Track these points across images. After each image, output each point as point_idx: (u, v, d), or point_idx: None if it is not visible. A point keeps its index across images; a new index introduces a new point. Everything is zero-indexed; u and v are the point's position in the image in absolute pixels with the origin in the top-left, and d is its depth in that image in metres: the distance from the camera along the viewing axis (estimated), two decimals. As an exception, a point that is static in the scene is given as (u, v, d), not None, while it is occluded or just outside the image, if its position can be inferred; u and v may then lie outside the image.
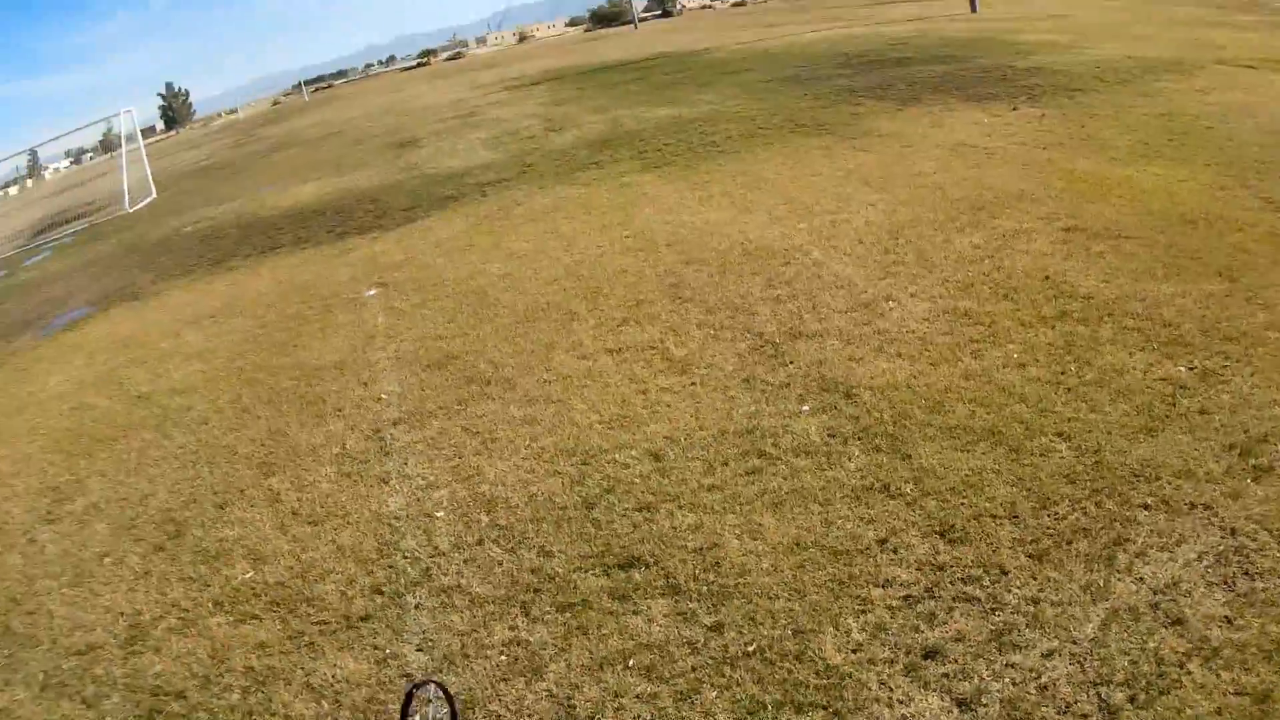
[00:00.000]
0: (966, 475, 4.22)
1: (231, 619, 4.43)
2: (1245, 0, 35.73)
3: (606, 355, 6.48)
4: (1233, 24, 22.67)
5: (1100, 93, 12.80)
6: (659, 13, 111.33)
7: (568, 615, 3.85)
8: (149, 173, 29.07)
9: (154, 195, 27.17)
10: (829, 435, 4.79)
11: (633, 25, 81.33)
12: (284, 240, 13.51)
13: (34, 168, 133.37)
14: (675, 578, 3.93)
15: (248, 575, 4.79)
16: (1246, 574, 3.36)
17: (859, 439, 4.70)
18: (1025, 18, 27.18)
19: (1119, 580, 3.41)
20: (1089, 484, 4.01)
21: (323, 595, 4.42)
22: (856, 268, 7.22)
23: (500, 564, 4.34)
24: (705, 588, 3.83)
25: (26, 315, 14.07)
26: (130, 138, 32.39)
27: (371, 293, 9.52)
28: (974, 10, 30.06)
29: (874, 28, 28.33)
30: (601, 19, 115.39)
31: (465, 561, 4.43)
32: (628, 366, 6.16)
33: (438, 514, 4.93)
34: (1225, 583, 3.34)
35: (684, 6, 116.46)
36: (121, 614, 4.73)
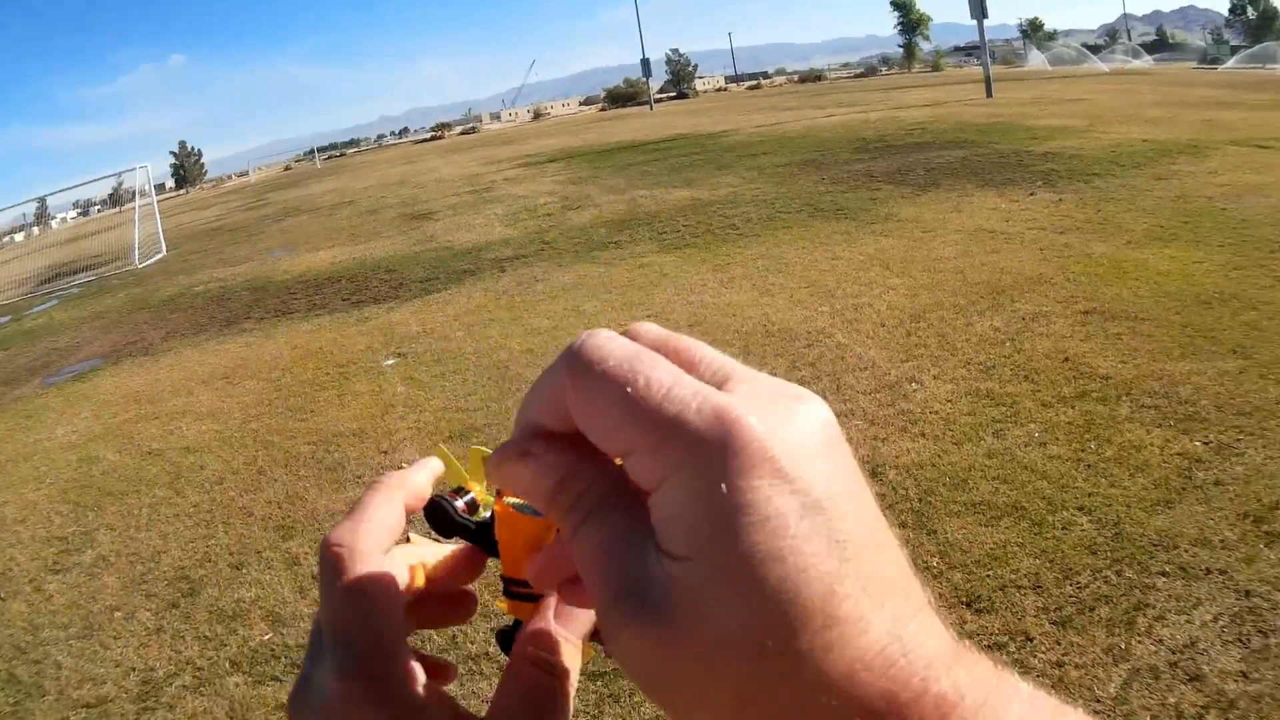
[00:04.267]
0: (991, 549, 4.44)
1: (250, 679, 4.55)
2: (1258, 79, 36.21)
3: (632, 432, 6.59)
4: (1244, 104, 23.20)
5: (1116, 177, 13.16)
6: (674, 94, 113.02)
7: (599, 684, 3.99)
8: (160, 229, 29.58)
9: (164, 252, 27.56)
10: (857, 511, 4.97)
11: (649, 106, 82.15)
12: (298, 306, 13.59)
13: (41, 216, 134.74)
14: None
15: (266, 637, 4.88)
16: (1260, 632, 3.59)
17: (886, 515, 4.90)
18: (1040, 101, 27.81)
19: (1139, 642, 3.63)
20: (1109, 554, 4.24)
21: (347, 659, 4.48)
22: (880, 350, 7.48)
23: (540, 633, 4.41)
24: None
25: (32, 363, 14.29)
26: (143, 193, 32.94)
27: (390, 362, 9.62)
28: (989, 95, 30.72)
29: (890, 113, 29.01)
30: (617, 98, 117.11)
31: (502, 629, 4.51)
32: (655, 446, 6.26)
33: (468, 583, 4.94)
34: (1240, 640, 3.56)
35: (699, 89, 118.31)
36: (133, 669, 4.82)
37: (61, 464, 8.55)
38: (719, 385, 0.44)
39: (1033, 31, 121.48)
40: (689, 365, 0.46)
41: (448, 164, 40.45)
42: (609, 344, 0.46)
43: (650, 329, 0.48)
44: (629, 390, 0.43)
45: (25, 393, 12.19)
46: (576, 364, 0.46)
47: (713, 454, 0.40)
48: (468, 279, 13.04)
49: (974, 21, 35.26)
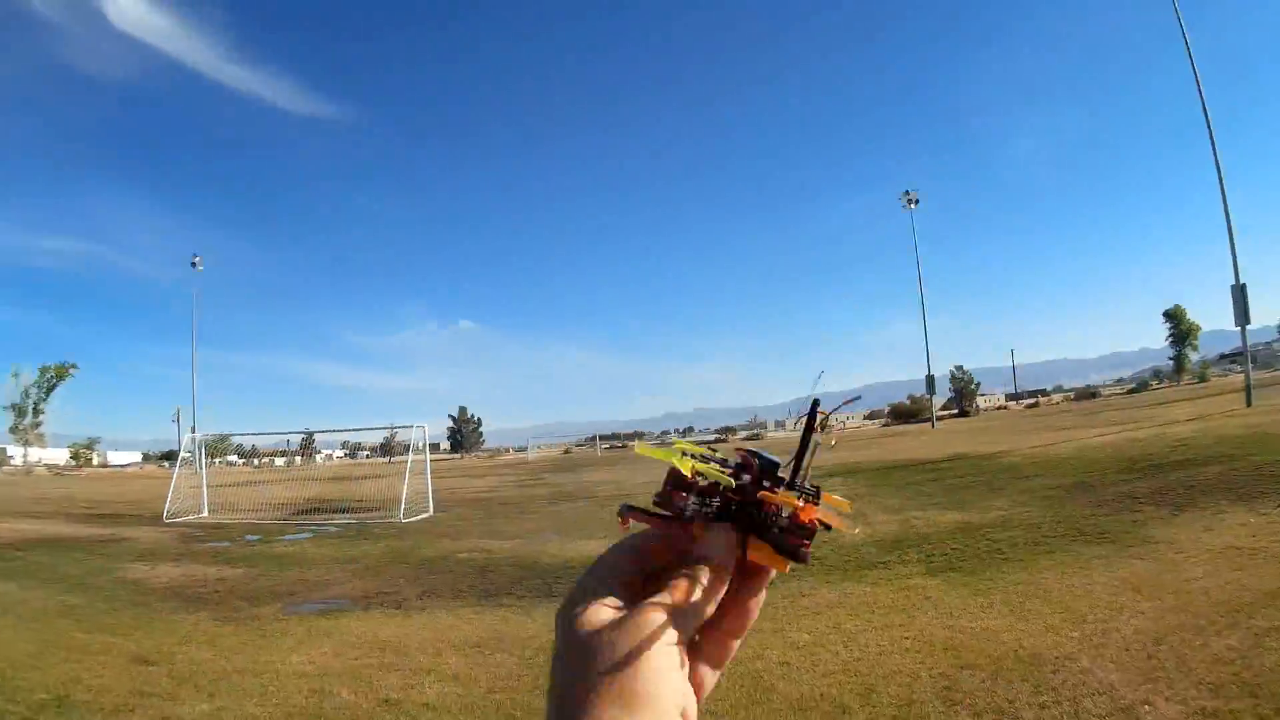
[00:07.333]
0: None
1: None
2: None
3: (877, 753, 6.92)
4: None
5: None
6: (956, 412, 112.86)
7: None
8: (430, 489, 30.48)
9: (431, 512, 28.54)
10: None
11: (931, 423, 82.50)
12: (562, 590, 13.38)
13: (306, 447, 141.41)
14: None
15: None
16: None
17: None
18: (1299, 408, 27.05)
19: None
20: None
21: None
22: (1120, 674, 7.81)
23: None
24: None
25: (275, 588, 15.06)
26: (417, 449, 33.85)
27: None
28: (1249, 404, 30.14)
29: (1157, 430, 28.79)
30: (900, 415, 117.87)
31: None
32: (899, 765, 6.60)
33: None
34: None
35: (980, 407, 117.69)
36: None
37: (291, 689, 8.92)
38: None
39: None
40: None
41: (729, 469, 41.53)
42: None
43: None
44: None
45: (264, 614, 12.83)
46: None
47: None
48: (728, 588, 13.27)
49: (1238, 328, 34.94)
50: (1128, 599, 10.08)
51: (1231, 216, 36.24)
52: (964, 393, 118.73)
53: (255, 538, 24.00)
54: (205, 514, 31.38)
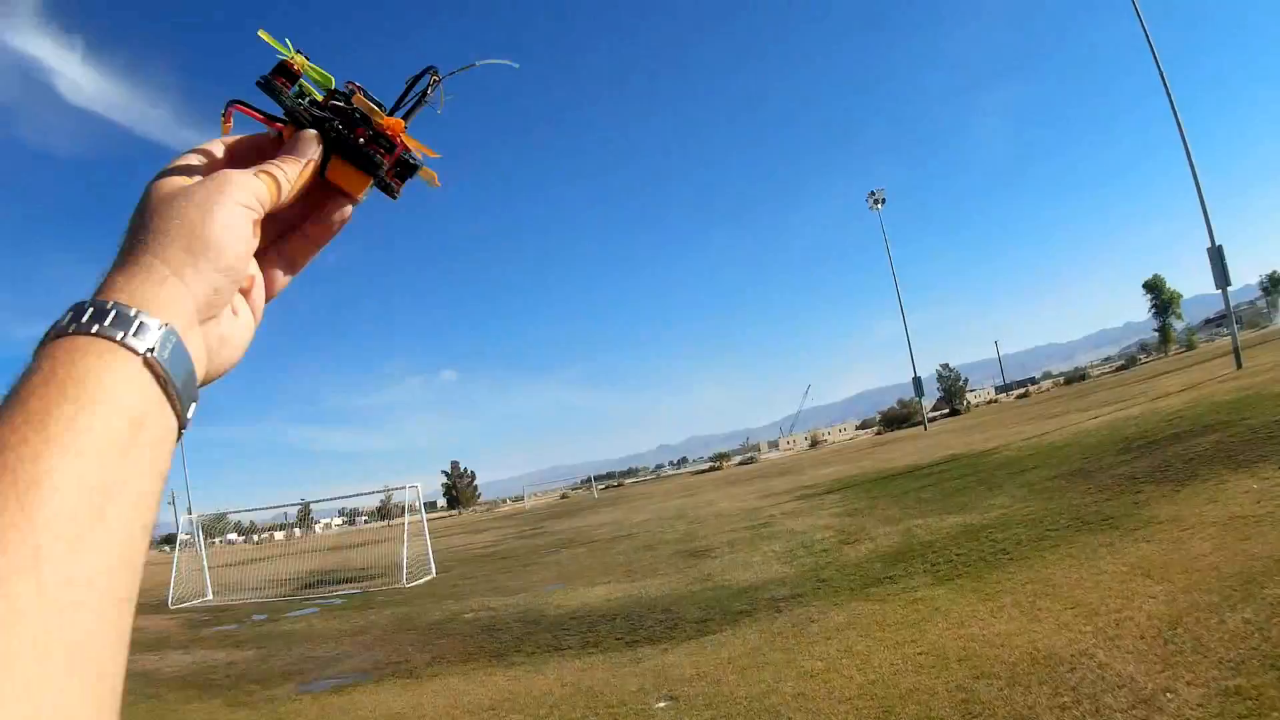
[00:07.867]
0: None
1: None
2: None
3: (900, 778, 6.70)
4: None
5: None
6: (947, 411, 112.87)
7: None
8: (430, 551, 30.26)
9: (434, 574, 28.27)
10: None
11: (923, 426, 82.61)
12: (570, 642, 13.49)
13: (304, 518, 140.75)
14: None
15: None
16: None
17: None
18: (1288, 364, 27.01)
19: None
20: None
21: None
22: (1138, 664, 7.58)
23: None
24: None
25: (288, 667, 14.89)
26: (413, 510, 33.80)
27: (661, 704, 9.53)
28: (1239, 366, 30.17)
29: (1149, 405, 28.66)
30: (892, 421, 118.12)
31: None
32: (923, 790, 6.42)
33: None
34: None
35: (971, 403, 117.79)
36: None
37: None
38: None
39: (1273, 287, 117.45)
40: None
41: (725, 497, 41.47)
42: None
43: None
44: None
45: (278, 695, 12.75)
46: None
47: None
48: (743, 619, 12.86)
49: (1219, 291, 34.80)
50: (1138, 584, 9.86)
51: (1199, 177, 36.31)
52: (952, 391, 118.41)
53: (262, 616, 24.04)
54: (210, 597, 31.32)
